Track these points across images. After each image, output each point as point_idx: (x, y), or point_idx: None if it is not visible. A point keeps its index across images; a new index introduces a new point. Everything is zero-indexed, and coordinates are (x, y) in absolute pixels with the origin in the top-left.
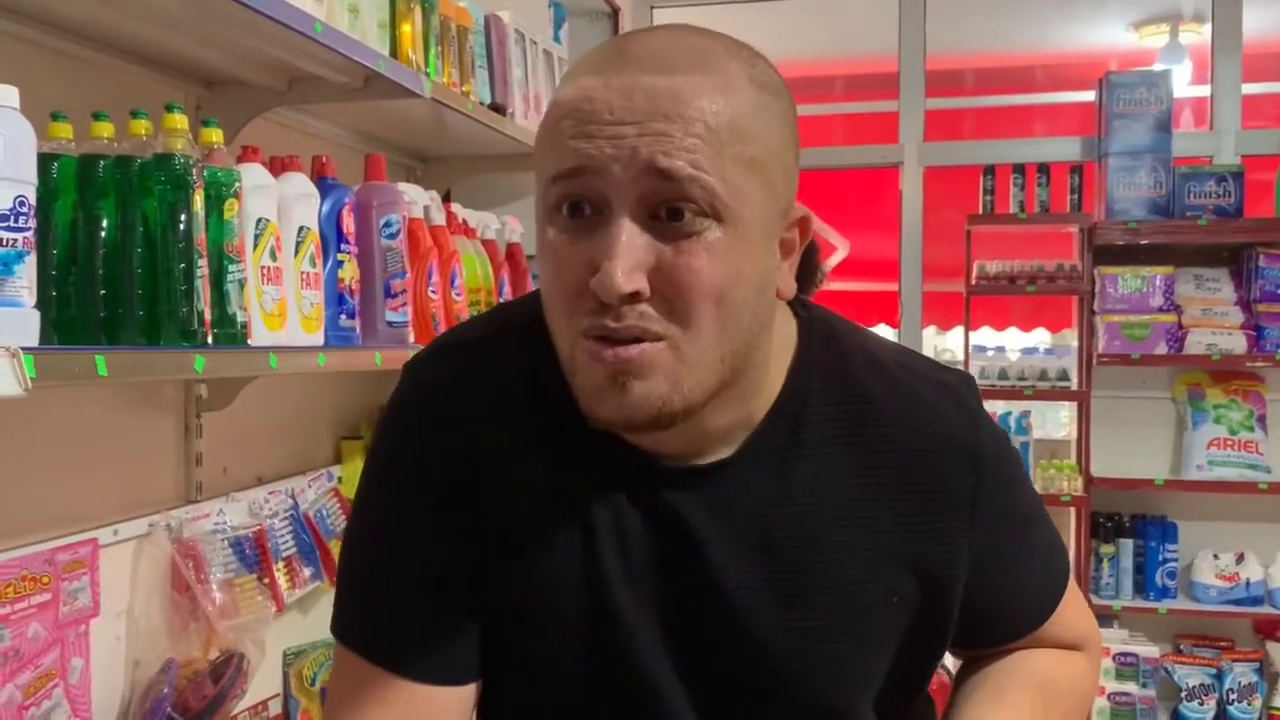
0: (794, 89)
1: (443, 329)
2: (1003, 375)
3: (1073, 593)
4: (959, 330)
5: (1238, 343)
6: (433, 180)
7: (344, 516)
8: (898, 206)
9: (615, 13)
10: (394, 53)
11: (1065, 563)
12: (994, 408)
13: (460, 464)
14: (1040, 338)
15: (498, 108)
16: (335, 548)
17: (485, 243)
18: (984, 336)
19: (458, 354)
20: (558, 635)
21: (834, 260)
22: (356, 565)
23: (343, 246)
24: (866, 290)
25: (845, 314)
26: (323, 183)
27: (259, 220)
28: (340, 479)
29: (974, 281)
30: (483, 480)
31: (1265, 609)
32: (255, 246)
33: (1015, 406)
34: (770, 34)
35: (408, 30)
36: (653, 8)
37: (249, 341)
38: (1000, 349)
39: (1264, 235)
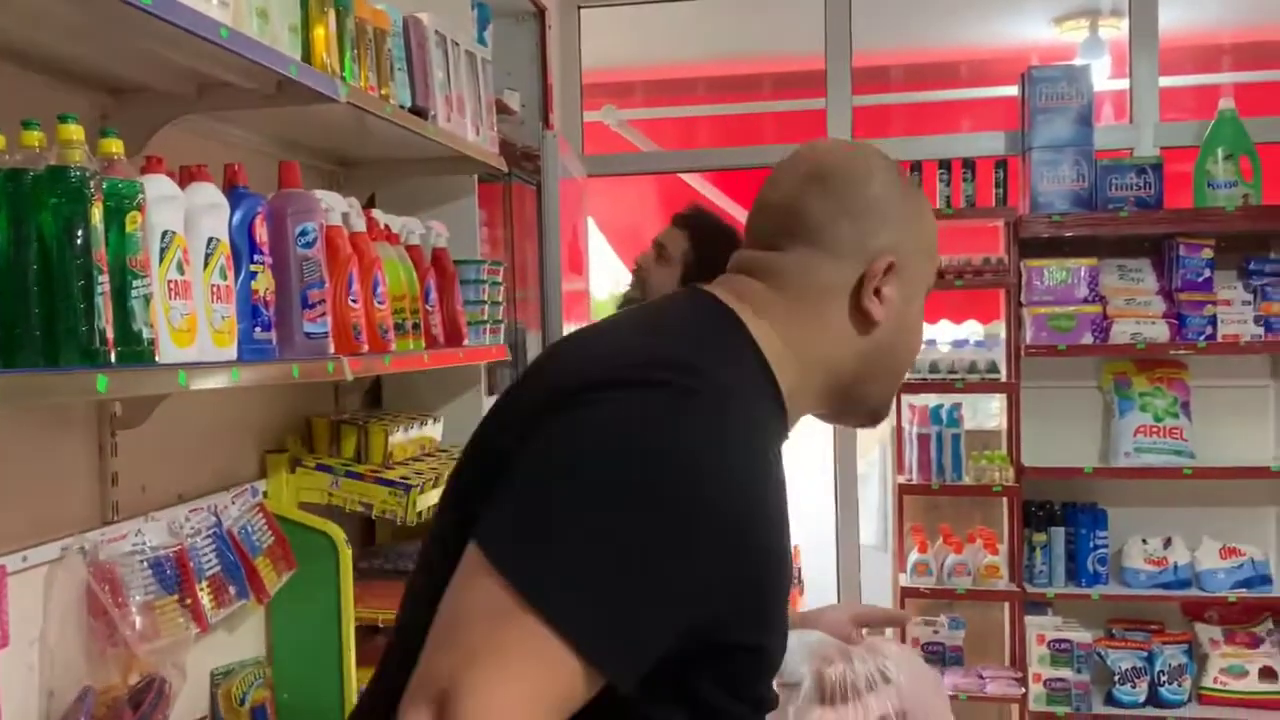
0: (722, 87)
1: (365, 339)
2: (933, 368)
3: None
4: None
5: (1161, 331)
6: (356, 185)
7: (270, 532)
8: None
9: (542, 13)
10: (307, 57)
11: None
12: (925, 400)
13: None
14: (972, 329)
15: (419, 111)
16: (262, 565)
17: (409, 249)
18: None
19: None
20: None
21: None
22: (628, 543)
23: (256, 257)
24: None
25: None
26: (234, 192)
27: (164, 233)
28: (265, 494)
29: None
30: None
31: (1193, 591)
32: (161, 260)
33: (946, 399)
34: (697, 33)
35: (321, 34)
36: (580, 8)
37: (156, 359)
38: (931, 342)
39: (1183, 225)
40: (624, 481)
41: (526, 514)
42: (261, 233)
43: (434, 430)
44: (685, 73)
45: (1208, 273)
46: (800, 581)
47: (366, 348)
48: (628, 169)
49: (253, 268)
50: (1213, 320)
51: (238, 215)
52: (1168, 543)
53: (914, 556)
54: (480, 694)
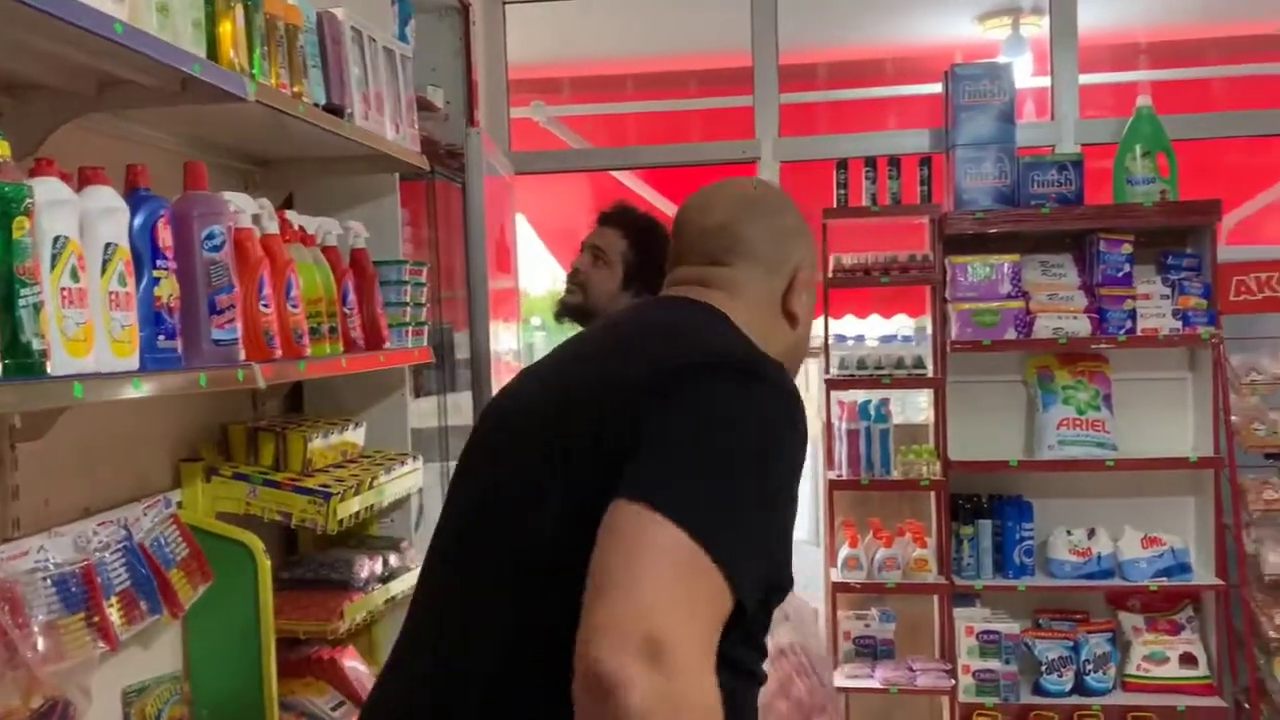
0: (649, 84)
1: (278, 344)
2: (861, 365)
3: None
4: (848, 318)
5: (1082, 326)
6: (274, 185)
7: (185, 544)
8: None
9: (465, 9)
10: (213, 54)
11: None
12: (854, 396)
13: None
14: (902, 324)
15: (335, 109)
16: (176, 578)
17: (326, 250)
18: (847, 324)
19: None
20: None
21: None
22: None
23: (159, 262)
24: None
25: None
26: (135, 195)
27: (57, 238)
28: (180, 504)
29: (831, 274)
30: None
31: (1116, 581)
32: (53, 267)
33: (875, 395)
34: (624, 29)
35: (228, 29)
36: (504, 3)
37: (49, 370)
38: (860, 337)
39: (1103, 221)
40: (750, 448)
41: (689, 475)
42: (165, 237)
43: (356, 435)
44: (613, 69)
45: (1127, 268)
46: None
47: (280, 353)
48: (556, 166)
49: (155, 273)
50: (1132, 314)
51: (139, 219)
52: (1091, 533)
53: (844, 551)
54: (685, 636)
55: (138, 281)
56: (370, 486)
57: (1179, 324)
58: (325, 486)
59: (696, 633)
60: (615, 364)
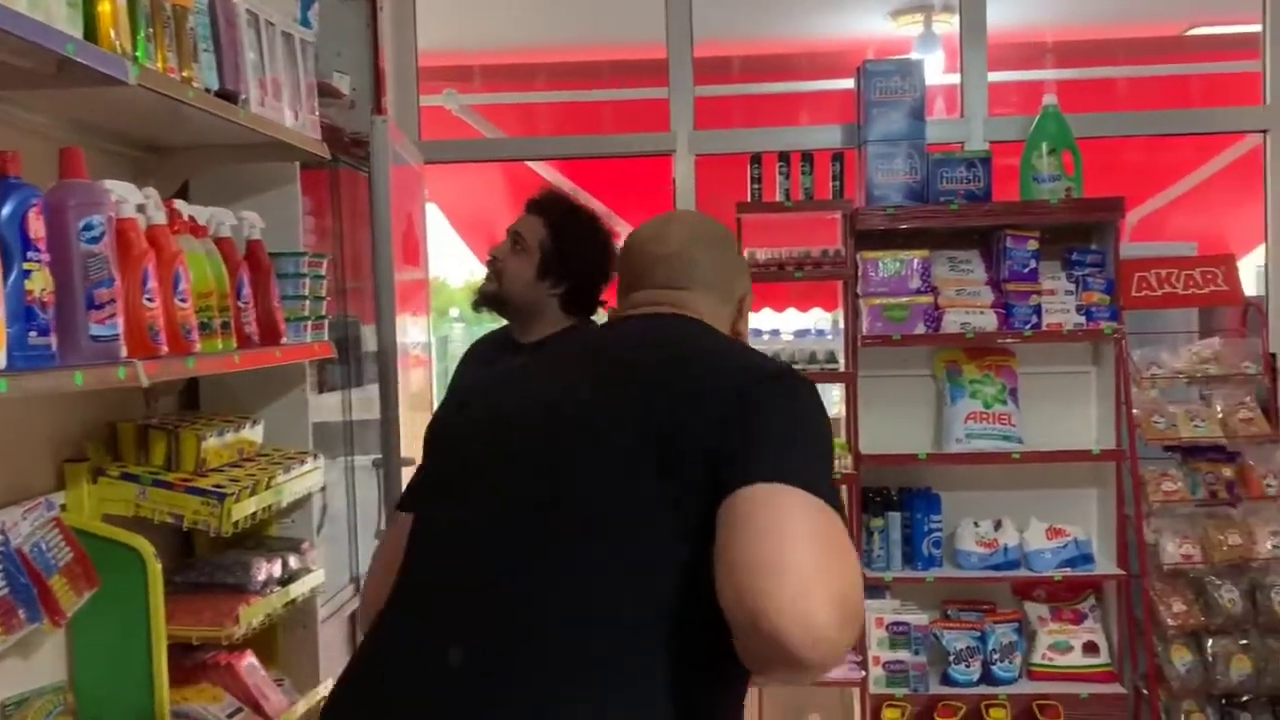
0: (563, 75)
1: (164, 340)
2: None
3: None
4: (766, 312)
5: (989, 321)
6: (167, 173)
7: (68, 548)
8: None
9: None
10: (91, 35)
11: None
12: None
13: None
14: (818, 317)
15: (228, 94)
16: (58, 584)
17: (219, 241)
18: (763, 319)
19: None
20: None
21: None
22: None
23: (30, 254)
24: None
25: None
26: (4, 183)
27: None
28: (64, 507)
29: None
30: None
31: (1022, 572)
32: None
33: None
34: (537, 19)
35: (107, 9)
36: None
37: None
38: (775, 332)
39: (1010, 218)
40: (823, 433)
41: (799, 457)
42: (37, 227)
43: (254, 433)
44: (527, 58)
45: (1033, 264)
46: None
47: (166, 350)
48: (467, 156)
49: (26, 266)
50: (1038, 310)
51: (7, 208)
52: (998, 525)
53: None
54: (857, 582)
55: (6, 275)
56: (268, 486)
57: (1083, 319)
58: (219, 487)
59: (857, 576)
60: (695, 374)
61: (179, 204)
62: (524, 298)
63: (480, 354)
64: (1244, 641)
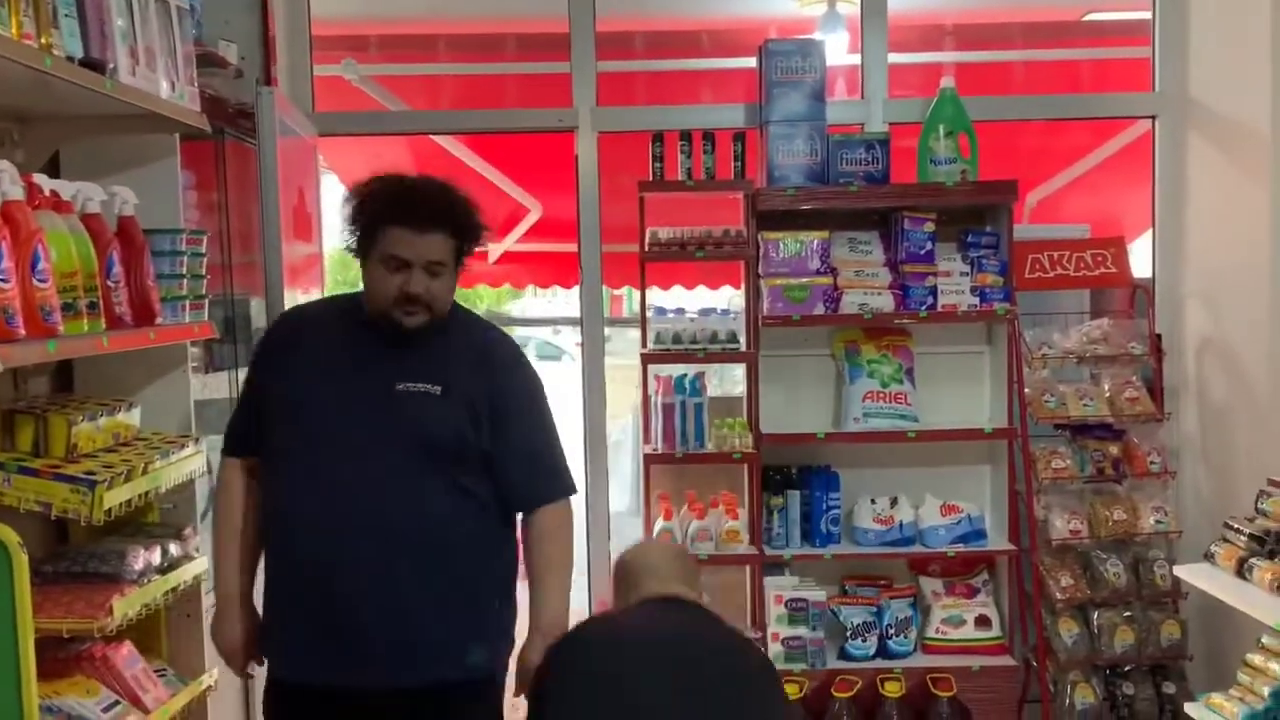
0: (465, 46)
1: (20, 322)
2: (676, 339)
3: None
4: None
5: (887, 302)
6: (35, 145)
7: None
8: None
9: None
10: None
11: None
12: (671, 370)
13: None
14: (726, 294)
15: (94, 63)
16: None
17: (87, 218)
18: (672, 296)
19: None
20: None
21: (526, 223)
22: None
23: None
24: (560, 250)
25: (537, 275)
26: None
27: None
28: None
29: (646, 248)
30: None
31: (917, 548)
32: None
33: (691, 369)
34: None
35: None
36: None
37: None
38: (680, 310)
39: (908, 200)
40: None
41: None
42: None
43: (130, 417)
44: (428, 29)
45: (929, 245)
46: None
47: (23, 332)
48: (363, 129)
49: None
50: (934, 291)
51: None
52: (894, 502)
53: (659, 524)
54: None
55: None
56: (144, 472)
57: (977, 300)
58: (90, 473)
59: None
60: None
61: (39, 178)
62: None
63: (324, 324)
64: (1127, 613)
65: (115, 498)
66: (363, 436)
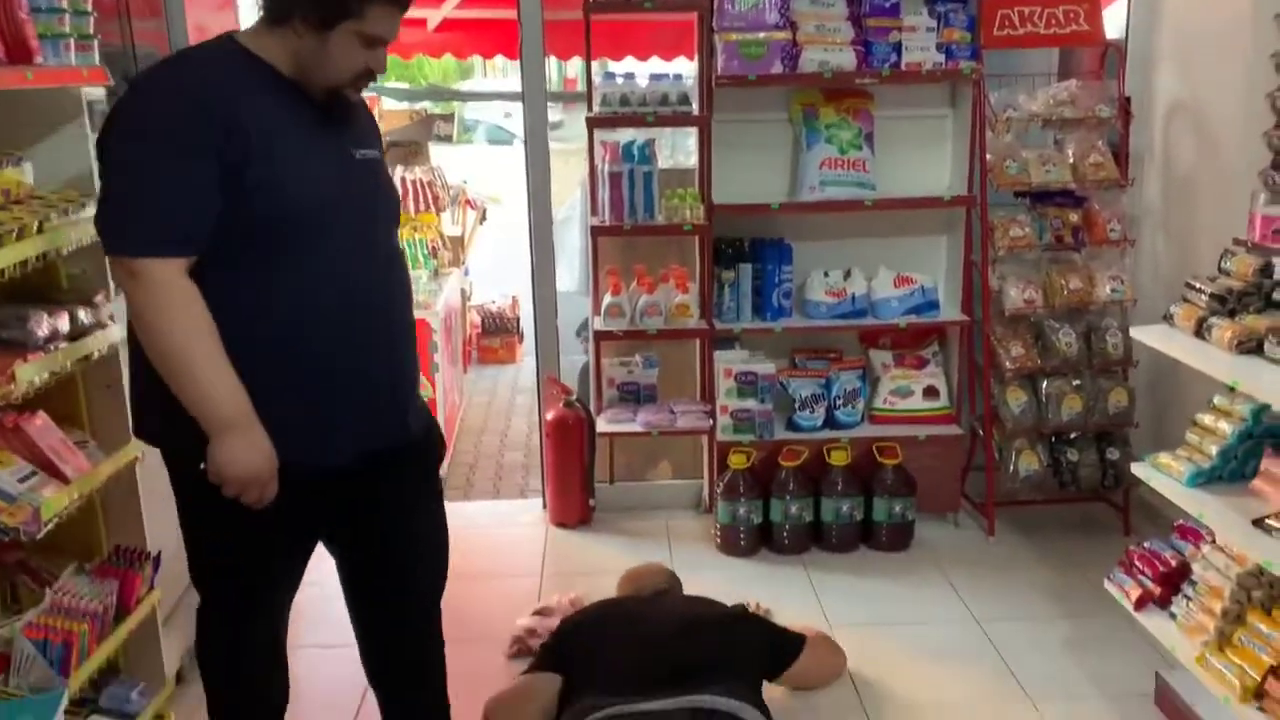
0: None
1: None
2: (624, 101)
3: None
4: (629, 60)
5: (848, 59)
6: None
7: None
8: None
9: None
10: None
11: None
12: (620, 136)
13: None
14: (682, 66)
15: None
16: None
17: None
18: (622, 65)
19: None
20: None
21: None
22: None
23: None
24: (503, 18)
25: (480, 43)
26: None
27: None
28: None
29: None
30: None
31: (868, 320)
32: None
33: (640, 134)
34: None
35: None
36: None
37: None
38: (630, 75)
39: None
40: None
41: None
42: None
43: (20, 172)
44: None
45: None
46: (519, 330)
47: None
48: None
49: None
50: (897, 48)
51: None
52: (847, 275)
53: (607, 299)
54: None
55: None
56: (39, 231)
57: (942, 58)
58: None
59: None
60: None
61: None
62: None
63: (252, 90)
64: (1076, 382)
65: (7, 257)
66: (355, 214)
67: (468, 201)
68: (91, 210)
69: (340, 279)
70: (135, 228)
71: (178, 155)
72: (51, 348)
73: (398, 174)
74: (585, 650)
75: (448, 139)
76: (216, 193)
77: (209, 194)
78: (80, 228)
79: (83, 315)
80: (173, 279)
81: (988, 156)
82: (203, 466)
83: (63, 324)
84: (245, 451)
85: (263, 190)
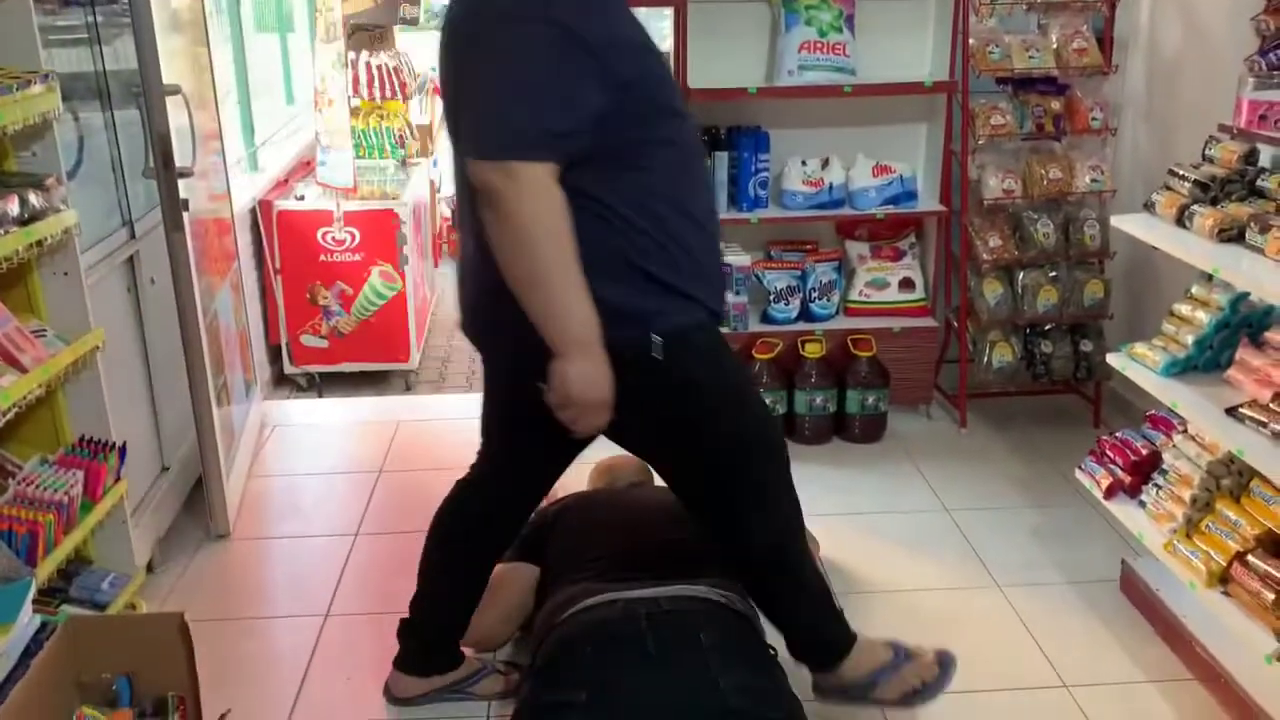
0: None
1: None
2: None
3: None
4: None
5: None
6: None
7: None
8: None
9: None
10: None
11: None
12: None
13: None
14: None
15: None
16: None
17: None
18: None
19: None
20: None
21: None
22: None
23: None
24: None
25: None
26: None
27: None
28: None
29: None
30: None
31: (845, 210)
32: None
33: None
34: None
35: None
36: None
37: None
38: None
39: None
40: None
41: None
42: None
43: None
44: None
45: None
46: None
47: None
48: None
49: None
50: None
51: None
52: (825, 164)
53: None
54: None
55: None
56: None
57: None
58: None
59: None
60: None
61: None
62: None
63: None
64: (1053, 274)
65: None
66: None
67: (436, 89)
68: (36, 89)
69: (696, 169)
70: (517, 129)
71: (574, 61)
72: (3, 231)
73: (362, 59)
74: (567, 539)
75: (414, 22)
76: (592, 100)
77: (587, 99)
78: (24, 105)
79: (34, 199)
80: (547, 184)
81: (970, 41)
82: (541, 385)
83: (12, 207)
84: (596, 374)
85: (627, 81)
